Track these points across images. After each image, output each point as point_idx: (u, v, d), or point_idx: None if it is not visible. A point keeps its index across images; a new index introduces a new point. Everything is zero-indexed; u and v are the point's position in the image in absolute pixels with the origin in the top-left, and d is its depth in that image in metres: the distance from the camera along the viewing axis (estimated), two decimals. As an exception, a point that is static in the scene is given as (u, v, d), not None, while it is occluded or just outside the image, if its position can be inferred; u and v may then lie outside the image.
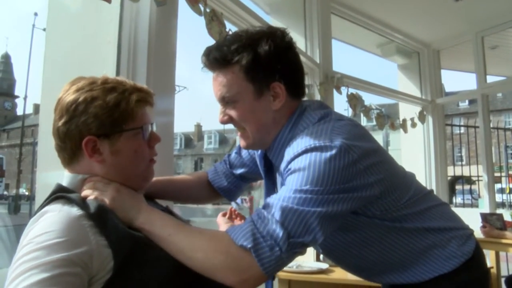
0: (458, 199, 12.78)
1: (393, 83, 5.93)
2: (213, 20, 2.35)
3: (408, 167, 4.84)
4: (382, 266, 1.33)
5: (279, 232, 1.03)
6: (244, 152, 1.62)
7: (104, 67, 1.96)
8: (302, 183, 1.08)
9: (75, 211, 0.99)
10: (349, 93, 4.15)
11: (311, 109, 1.31)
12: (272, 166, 1.40)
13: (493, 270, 4.48)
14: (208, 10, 2.31)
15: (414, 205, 1.31)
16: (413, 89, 5.73)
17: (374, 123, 4.83)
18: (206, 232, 1.10)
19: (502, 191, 11.14)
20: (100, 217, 0.99)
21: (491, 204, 5.13)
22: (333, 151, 1.09)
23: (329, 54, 4.06)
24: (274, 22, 4.08)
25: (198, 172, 1.75)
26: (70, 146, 1.09)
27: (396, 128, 5.14)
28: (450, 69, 6.70)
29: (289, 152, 1.17)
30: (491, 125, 5.90)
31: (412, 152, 5.70)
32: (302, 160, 1.11)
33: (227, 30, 2.50)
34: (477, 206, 6.11)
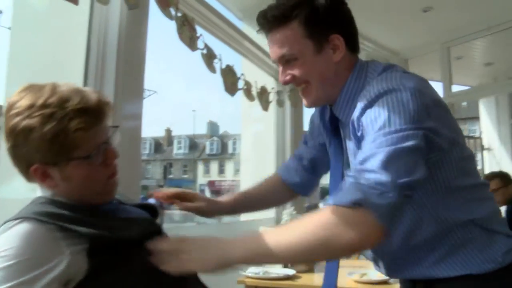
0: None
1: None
2: (184, 25, 2.34)
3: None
4: (421, 252, 1.22)
5: (385, 177, 0.98)
6: (309, 141, 1.60)
7: (72, 69, 1.93)
8: (387, 124, 1.04)
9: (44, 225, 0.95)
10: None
11: (373, 63, 1.30)
12: (338, 125, 1.36)
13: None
14: (179, 14, 2.30)
15: (473, 189, 1.22)
16: (382, 96, 5.82)
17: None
18: (302, 220, 1.05)
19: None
20: (71, 227, 0.96)
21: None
22: (408, 93, 1.08)
23: (299, 60, 4.10)
24: (247, 28, 4.08)
25: (269, 177, 1.69)
26: (21, 170, 1.04)
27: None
28: (418, 78, 6.84)
29: (362, 100, 1.14)
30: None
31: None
32: (379, 104, 1.09)
33: (198, 35, 2.49)
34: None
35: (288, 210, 3.19)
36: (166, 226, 1.24)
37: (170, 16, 2.22)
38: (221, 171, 47.64)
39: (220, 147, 48.60)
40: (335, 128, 1.38)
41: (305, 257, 1.07)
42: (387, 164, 1.00)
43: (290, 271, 2.62)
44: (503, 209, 4.12)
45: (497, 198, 3.96)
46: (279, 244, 1.02)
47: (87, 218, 1.01)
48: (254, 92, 3.29)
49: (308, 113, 4.37)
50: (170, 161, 49.67)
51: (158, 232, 1.15)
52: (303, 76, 1.25)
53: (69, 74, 1.96)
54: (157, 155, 49.95)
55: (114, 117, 1.84)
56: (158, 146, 51.05)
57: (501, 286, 1.19)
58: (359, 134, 1.13)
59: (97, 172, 1.07)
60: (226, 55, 2.92)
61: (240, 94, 3.15)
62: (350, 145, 1.28)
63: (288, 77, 1.28)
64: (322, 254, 1.05)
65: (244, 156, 4.21)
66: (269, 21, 1.25)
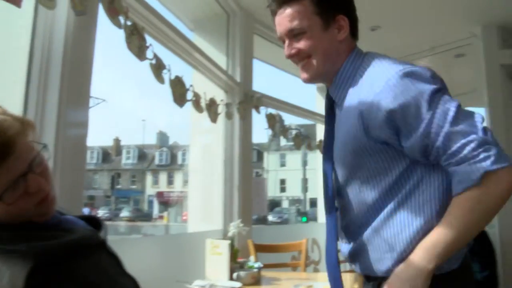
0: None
1: (312, 104, 6.12)
2: (134, 34, 2.31)
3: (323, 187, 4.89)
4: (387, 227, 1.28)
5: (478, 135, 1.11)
6: None
7: (14, 75, 1.87)
8: (426, 97, 1.17)
9: None
10: (268, 113, 4.24)
11: (371, 52, 1.41)
12: (333, 106, 1.45)
13: None
14: (129, 23, 2.28)
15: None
16: (329, 111, 5.93)
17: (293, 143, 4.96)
18: (454, 212, 1.15)
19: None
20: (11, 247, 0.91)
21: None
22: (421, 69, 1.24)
23: (249, 73, 4.13)
24: (198, 39, 4.09)
25: None
26: None
27: (313, 148, 5.30)
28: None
29: (376, 81, 1.24)
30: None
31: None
32: (404, 84, 1.19)
33: (147, 45, 2.47)
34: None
35: (235, 222, 3.19)
36: (111, 238, 1.21)
37: (118, 25, 2.18)
38: (170, 182, 46.99)
39: (169, 157, 47.97)
40: (330, 109, 1.47)
41: (481, 225, 1.17)
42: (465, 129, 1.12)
43: (237, 284, 2.62)
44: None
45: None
46: (458, 234, 1.14)
47: (28, 233, 0.96)
48: (203, 103, 3.28)
49: (257, 126, 4.42)
50: (118, 171, 48.54)
51: (101, 244, 1.10)
52: (309, 49, 1.34)
53: (10, 79, 1.90)
54: (104, 165, 48.72)
55: (57, 125, 1.81)
56: (106, 155, 49.83)
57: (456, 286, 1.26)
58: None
59: (22, 204, 0.98)
60: (176, 66, 2.91)
61: (190, 105, 3.14)
62: (342, 125, 1.36)
63: (293, 51, 1.37)
64: (490, 215, 1.15)
65: (192, 167, 4.19)
66: None
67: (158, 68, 2.59)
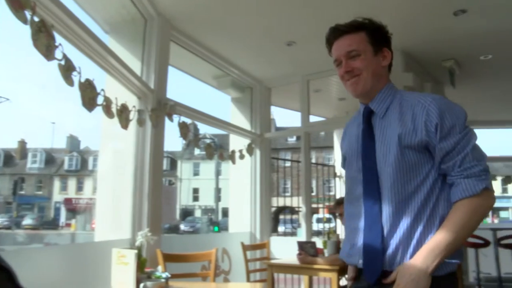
0: (282, 228, 13.53)
1: (227, 115, 6.17)
2: (41, 32, 2.20)
3: (235, 197, 4.99)
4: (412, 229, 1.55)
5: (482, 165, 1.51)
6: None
7: None
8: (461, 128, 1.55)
9: None
10: (180, 121, 4.20)
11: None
12: (370, 118, 1.73)
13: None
14: (36, 19, 2.16)
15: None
16: (244, 122, 6.02)
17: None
18: (454, 218, 1.48)
19: (321, 220, 12.09)
20: None
21: (307, 232, 5.56)
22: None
23: (164, 80, 4.08)
24: (112, 42, 3.97)
25: None
26: None
27: (225, 159, 5.33)
28: (280, 107, 7.20)
29: (424, 105, 1.58)
30: (313, 161, 6.45)
31: (240, 182, 5.95)
32: (451, 112, 1.56)
33: (56, 44, 2.36)
34: (296, 235, 6.55)
35: (142, 231, 3.12)
36: (9, 249, 1.11)
37: (24, 20, 2.06)
38: (80, 188, 44.96)
39: (80, 163, 45.94)
40: (367, 120, 1.75)
41: (472, 230, 1.50)
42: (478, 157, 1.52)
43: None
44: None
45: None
46: (458, 235, 1.47)
47: None
48: (114, 109, 3.18)
49: (171, 134, 4.35)
50: (22, 176, 45.65)
51: None
52: (361, 68, 1.69)
53: None
54: (6, 169, 45.61)
55: None
56: (8, 158, 46.67)
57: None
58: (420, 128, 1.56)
59: None
60: (88, 68, 2.81)
61: (101, 110, 3.03)
62: (388, 132, 1.64)
63: (349, 68, 1.70)
64: (479, 222, 1.51)
65: (101, 174, 4.04)
66: (343, 30, 1.73)
67: (67, 69, 2.47)
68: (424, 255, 1.46)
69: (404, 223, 1.54)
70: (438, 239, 1.47)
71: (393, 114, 1.65)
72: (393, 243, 1.54)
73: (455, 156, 1.52)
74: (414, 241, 1.52)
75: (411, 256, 1.50)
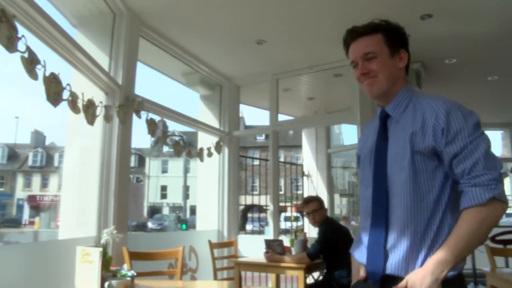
0: (250, 226, 13.55)
1: (195, 112, 6.13)
2: (2, 21, 2.13)
3: (203, 195, 4.98)
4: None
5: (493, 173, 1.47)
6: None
7: None
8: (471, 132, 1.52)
9: None
10: (148, 118, 4.15)
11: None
12: (386, 121, 1.75)
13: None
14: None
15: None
16: (212, 120, 6.01)
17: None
18: (463, 226, 1.47)
19: (289, 218, 12.16)
20: None
21: (275, 231, 5.59)
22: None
23: (132, 76, 4.02)
24: (80, 36, 3.89)
25: None
26: None
27: (193, 156, 5.30)
28: (249, 105, 7.20)
29: (434, 109, 1.57)
30: (282, 159, 6.48)
31: (208, 180, 5.93)
32: (459, 115, 1.54)
33: (19, 35, 2.29)
34: (263, 233, 6.57)
35: (108, 229, 3.07)
36: None
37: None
38: (45, 185, 43.95)
39: (45, 159, 44.89)
40: (382, 123, 1.77)
41: (481, 240, 1.50)
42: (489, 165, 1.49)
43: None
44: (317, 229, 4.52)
45: (315, 218, 4.36)
46: (466, 244, 1.47)
47: None
48: (80, 104, 3.12)
49: (140, 130, 4.32)
50: (-18, 172, 44.32)
51: None
52: (378, 70, 1.70)
53: None
54: (-35, 164, 44.22)
55: None
56: (-33, 153, 45.24)
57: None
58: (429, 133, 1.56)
59: None
60: (53, 62, 2.74)
61: (67, 105, 2.97)
62: (397, 135, 1.67)
63: (366, 70, 1.72)
64: (489, 232, 1.50)
65: (67, 170, 3.96)
66: (360, 31, 1.75)
67: (30, 62, 2.41)
68: (434, 265, 1.46)
69: (412, 230, 1.55)
70: (447, 249, 1.47)
71: (407, 117, 1.66)
72: (399, 250, 1.56)
73: (464, 161, 1.50)
74: (422, 253, 1.53)
75: (422, 263, 1.52)
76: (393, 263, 1.56)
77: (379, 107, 1.81)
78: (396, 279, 1.53)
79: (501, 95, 6.78)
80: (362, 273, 1.70)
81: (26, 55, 2.36)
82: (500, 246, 5.67)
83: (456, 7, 4.05)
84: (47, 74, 2.63)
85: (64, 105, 2.92)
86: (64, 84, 2.85)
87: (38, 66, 2.50)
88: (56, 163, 44.39)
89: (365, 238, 1.69)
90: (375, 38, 1.73)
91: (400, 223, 1.57)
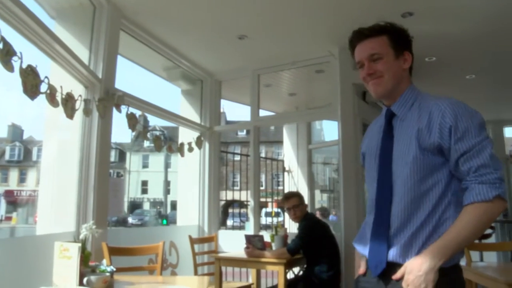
0: (231, 222, 13.53)
1: (176, 107, 6.10)
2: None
3: (183, 190, 4.96)
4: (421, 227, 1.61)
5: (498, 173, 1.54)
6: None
7: None
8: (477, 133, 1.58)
9: None
10: (129, 112, 4.11)
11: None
12: (391, 120, 1.80)
13: (254, 286, 4.89)
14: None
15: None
16: (193, 115, 5.98)
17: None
18: (465, 219, 1.52)
19: (270, 214, 12.17)
20: None
21: (256, 226, 5.60)
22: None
23: (113, 70, 3.98)
24: (59, 28, 3.83)
25: None
26: None
27: (174, 151, 5.27)
28: (230, 100, 7.19)
29: (440, 108, 1.62)
30: (263, 155, 6.49)
31: (189, 175, 5.91)
32: (466, 115, 1.60)
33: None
34: (244, 228, 6.58)
35: (87, 224, 3.04)
36: None
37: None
38: (22, 180, 43.26)
39: (22, 153, 44.16)
40: (388, 122, 1.82)
41: (480, 233, 1.56)
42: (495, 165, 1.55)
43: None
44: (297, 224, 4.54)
45: (296, 214, 4.39)
46: (466, 236, 1.52)
47: None
48: (59, 97, 3.07)
49: (121, 125, 4.27)
50: None
51: None
52: (383, 70, 1.76)
53: None
54: None
55: None
56: None
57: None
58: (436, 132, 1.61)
59: None
60: (31, 54, 2.69)
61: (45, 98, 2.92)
62: (402, 132, 1.72)
63: (371, 71, 1.78)
64: (487, 227, 1.58)
65: (45, 165, 3.90)
66: (366, 33, 1.80)
67: (6, 54, 2.36)
68: (433, 252, 1.51)
69: (413, 223, 1.61)
70: (447, 238, 1.52)
71: (413, 116, 1.71)
72: (400, 240, 1.62)
73: (471, 160, 1.55)
74: (420, 242, 1.59)
75: (419, 252, 1.57)
76: (393, 254, 1.62)
77: (384, 106, 1.87)
78: (395, 267, 1.59)
79: (479, 94, 6.90)
80: (362, 268, 1.76)
81: (1, 46, 2.32)
82: (476, 241, 5.77)
83: (437, 6, 4.09)
84: (24, 66, 2.58)
85: (42, 98, 2.87)
86: (42, 77, 2.80)
87: (14, 58, 2.45)
88: (34, 158, 43.70)
89: (368, 232, 1.74)
90: (380, 40, 1.79)
91: (402, 217, 1.63)
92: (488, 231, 7.16)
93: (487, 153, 1.55)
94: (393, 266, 1.60)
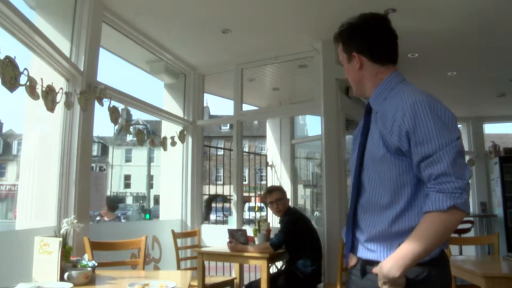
0: (214, 216, 13.52)
1: (159, 101, 6.06)
2: None
3: (166, 184, 4.93)
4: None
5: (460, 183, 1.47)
6: None
7: None
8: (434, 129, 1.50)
9: None
10: (111, 105, 4.07)
11: (406, 81, 1.78)
12: (370, 115, 1.78)
13: (237, 280, 4.90)
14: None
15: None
16: (176, 109, 5.95)
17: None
18: (422, 229, 1.49)
19: (253, 209, 12.18)
20: None
21: (239, 221, 5.60)
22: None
23: (95, 63, 3.92)
24: (38, 19, 3.76)
25: None
26: None
27: (157, 145, 5.24)
28: (213, 94, 7.16)
29: (403, 107, 1.55)
30: (246, 150, 6.49)
31: (172, 169, 5.89)
32: (428, 119, 1.51)
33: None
34: (227, 223, 6.59)
35: (68, 218, 3.01)
36: None
37: None
38: (1, 174, 42.63)
39: (2, 147, 43.51)
40: (365, 117, 1.82)
41: (438, 243, 1.51)
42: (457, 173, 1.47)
43: (67, 284, 2.48)
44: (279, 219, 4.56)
45: (279, 207, 4.41)
46: (424, 247, 1.47)
47: None
48: (39, 90, 3.02)
49: (101, 119, 4.22)
50: None
51: None
52: (347, 76, 1.86)
53: None
54: None
55: None
56: None
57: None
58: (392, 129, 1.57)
59: None
60: (10, 45, 2.64)
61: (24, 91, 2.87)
62: (374, 127, 1.71)
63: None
64: (446, 236, 1.52)
65: (25, 159, 3.84)
66: (334, 39, 1.88)
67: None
68: (390, 264, 1.50)
69: (375, 222, 1.63)
70: (404, 249, 1.49)
71: (385, 110, 1.65)
72: (362, 235, 1.68)
73: (432, 166, 1.48)
74: (391, 238, 1.59)
75: (388, 251, 1.58)
76: (360, 249, 1.68)
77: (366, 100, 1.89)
78: (372, 262, 1.62)
79: (460, 90, 6.98)
80: (354, 260, 1.77)
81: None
82: (456, 235, 5.87)
83: (420, 4, 4.13)
84: (2, 57, 2.53)
85: (22, 91, 2.82)
86: (21, 69, 2.75)
87: (-8, 49, 2.40)
88: (14, 151, 43.07)
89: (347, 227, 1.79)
90: (339, 47, 1.86)
91: (367, 217, 1.67)
92: (467, 225, 7.29)
93: (449, 160, 1.46)
94: (372, 262, 1.62)
